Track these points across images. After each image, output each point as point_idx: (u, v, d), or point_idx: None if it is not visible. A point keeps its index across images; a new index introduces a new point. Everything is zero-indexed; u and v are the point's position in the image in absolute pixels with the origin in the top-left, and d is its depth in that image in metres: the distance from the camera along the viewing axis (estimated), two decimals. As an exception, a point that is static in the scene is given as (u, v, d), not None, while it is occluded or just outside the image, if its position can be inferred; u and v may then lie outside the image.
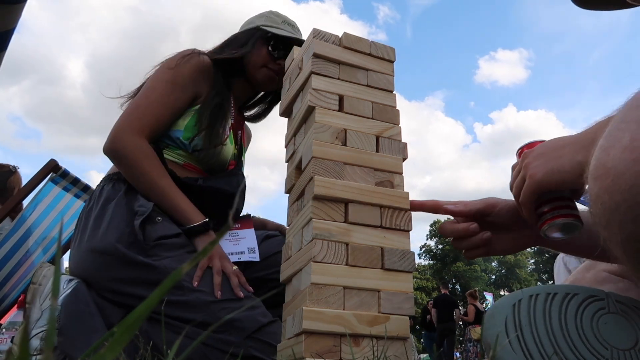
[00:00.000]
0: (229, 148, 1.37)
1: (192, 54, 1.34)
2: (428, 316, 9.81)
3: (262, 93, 1.61)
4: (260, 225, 1.53)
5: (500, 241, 0.89)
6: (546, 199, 0.77)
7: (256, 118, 1.63)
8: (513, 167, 0.83)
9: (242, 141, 1.50)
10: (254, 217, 1.55)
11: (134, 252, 1.10)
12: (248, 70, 1.43)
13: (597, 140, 0.65)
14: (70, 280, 1.15)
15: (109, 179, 1.28)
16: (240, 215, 1.47)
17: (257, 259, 1.28)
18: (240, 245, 1.33)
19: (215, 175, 1.35)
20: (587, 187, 0.54)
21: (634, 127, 0.50)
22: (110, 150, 1.22)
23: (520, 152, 0.86)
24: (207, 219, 1.20)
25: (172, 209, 1.19)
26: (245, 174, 1.49)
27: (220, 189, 1.31)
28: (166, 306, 1.02)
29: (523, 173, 0.76)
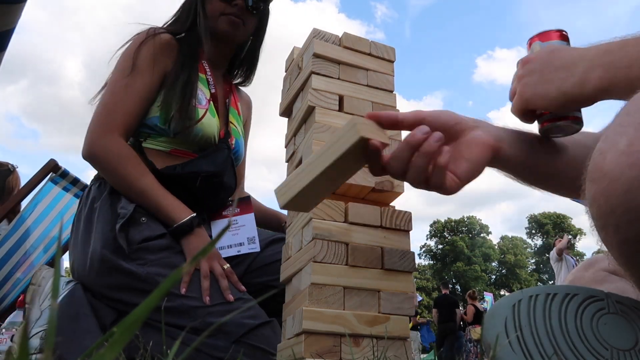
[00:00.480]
0: (211, 121, 1.25)
1: (148, 35, 1.26)
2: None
3: (244, 55, 1.48)
4: (275, 220, 1.45)
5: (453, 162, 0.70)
6: None
7: (246, 77, 1.51)
8: (517, 64, 0.76)
9: (230, 107, 1.38)
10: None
11: (119, 258, 1.06)
12: (211, 27, 1.33)
13: (594, 68, 0.64)
14: (69, 282, 1.15)
15: (95, 179, 1.26)
16: (234, 194, 1.35)
17: (258, 249, 1.21)
18: (240, 236, 1.23)
19: (200, 155, 1.23)
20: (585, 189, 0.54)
21: (631, 131, 0.50)
22: (87, 156, 1.17)
23: (530, 43, 0.78)
24: (194, 214, 1.13)
25: (155, 209, 1.12)
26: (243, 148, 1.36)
27: (202, 171, 1.20)
28: (155, 312, 0.97)
29: (516, 85, 0.73)
